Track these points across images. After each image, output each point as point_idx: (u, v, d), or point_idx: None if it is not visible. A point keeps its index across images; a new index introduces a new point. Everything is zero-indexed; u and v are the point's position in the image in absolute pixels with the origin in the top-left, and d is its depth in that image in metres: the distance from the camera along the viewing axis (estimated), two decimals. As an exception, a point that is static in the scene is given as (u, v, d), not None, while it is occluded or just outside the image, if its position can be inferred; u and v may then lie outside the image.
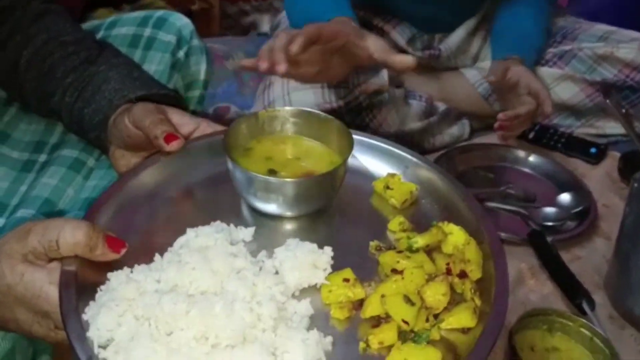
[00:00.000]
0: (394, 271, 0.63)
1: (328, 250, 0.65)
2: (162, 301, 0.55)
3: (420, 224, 0.73)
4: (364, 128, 1.29)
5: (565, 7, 1.78)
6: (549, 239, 1.13)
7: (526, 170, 1.36)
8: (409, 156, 0.81)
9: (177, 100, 0.86)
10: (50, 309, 0.60)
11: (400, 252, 0.65)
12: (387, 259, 0.65)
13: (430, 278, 0.63)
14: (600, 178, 1.36)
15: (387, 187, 0.76)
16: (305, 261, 0.62)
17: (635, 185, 0.98)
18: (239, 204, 0.75)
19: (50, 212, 0.89)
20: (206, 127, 0.81)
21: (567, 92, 1.41)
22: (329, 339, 0.58)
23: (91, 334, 0.55)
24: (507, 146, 1.36)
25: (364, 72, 1.29)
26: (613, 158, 1.40)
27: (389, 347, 0.58)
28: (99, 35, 1.05)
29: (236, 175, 0.71)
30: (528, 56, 1.33)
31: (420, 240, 0.66)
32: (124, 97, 0.84)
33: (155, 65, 1.02)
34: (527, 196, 1.27)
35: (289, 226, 0.74)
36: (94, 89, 0.86)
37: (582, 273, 1.09)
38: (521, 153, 1.37)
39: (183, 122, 0.81)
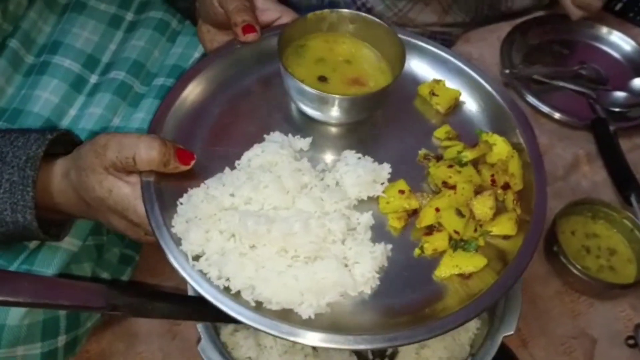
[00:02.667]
0: (445, 184, 0.69)
1: (386, 167, 0.71)
2: (245, 221, 0.61)
3: (464, 130, 0.78)
4: None
5: None
6: (612, 127, 1.13)
7: (604, 48, 1.30)
8: (454, 60, 0.82)
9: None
10: (139, 221, 0.67)
11: (450, 166, 0.71)
12: (439, 172, 0.70)
13: (478, 190, 0.69)
14: None
15: (433, 94, 0.79)
16: (367, 178, 0.68)
17: None
18: (288, 106, 0.78)
19: (139, 73, 0.93)
20: (288, 18, 0.82)
21: None
22: (389, 246, 0.66)
23: (185, 248, 0.62)
24: (588, 19, 1.28)
25: None
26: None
27: (441, 253, 0.67)
28: None
29: (290, 85, 0.74)
30: None
31: (469, 155, 0.71)
32: None
33: None
34: (598, 78, 1.24)
35: (337, 131, 0.78)
36: None
37: (639, 163, 1.11)
38: (602, 29, 1.30)
39: (266, 7, 0.82)
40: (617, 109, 1.19)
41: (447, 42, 1.33)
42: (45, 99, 0.86)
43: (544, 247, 1.01)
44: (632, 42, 1.30)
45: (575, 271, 0.95)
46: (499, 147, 0.73)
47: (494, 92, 0.80)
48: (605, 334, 0.95)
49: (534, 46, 1.30)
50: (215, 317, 0.75)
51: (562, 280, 0.99)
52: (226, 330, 0.83)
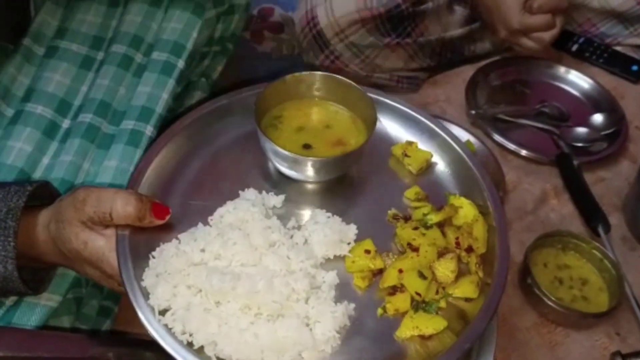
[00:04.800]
0: (410, 246, 0.72)
1: (353, 228, 0.73)
2: (211, 278, 0.64)
3: (433, 191, 0.80)
4: (404, 36, 1.32)
5: None
6: (576, 161, 1.18)
7: (563, 86, 1.37)
8: (426, 121, 0.86)
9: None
10: (112, 273, 0.69)
11: (415, 228, 0.73)
12: (404, 234, 0.73)
13: (442, 252, 0.71)
14: (639, 98, 1.36)
15: (405, 154, 0.82)
16: (333, 237, 0.71)
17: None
18: (266, 163, 0.81)
19: (105, 113, 0.91)
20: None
21: None
22: (352, 305, 0.68)
23: (152, 302, 0.65)
24: (547, 60, 1.37)
25: None
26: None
27: (403, 313, 0.69)
28: None
29: (267, 147, 0.77)
30: None
31: (434, 218, 0.74)
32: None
33: None
34: (560, 115, 1.30)
35: (313, 188, 0.81)
36: None
37: (604, 195, 1.17)
38: (560, 69, 1.37)
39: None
40: (580, 144, 1.24)
41: (413, 85, 1.40)
42: (18, 149, 0.85)
43: (518, 280, 1.04)
44: (590, 80, 1.36)
45: (549, 302, 0.97)
46: (465, 210, 0.76)
47: (464, 155, 0.82)
48: (584, 363, 0.96)
49: (497, 87, 1.36)
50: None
51: (537, 312, 1.01)
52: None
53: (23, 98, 0.90)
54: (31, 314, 0.80)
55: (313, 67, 1.32)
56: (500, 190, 1.14)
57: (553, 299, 0.97)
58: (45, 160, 0.88)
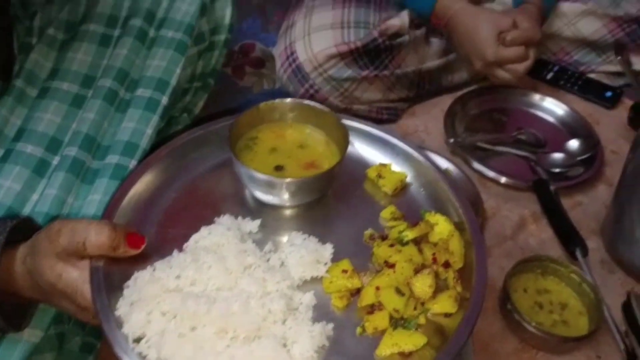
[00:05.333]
0: (387, 264, 0.71)
1: (329, 247, 0.73)
2: (186, 302, 0.63)
3: (409, 211, 0.81)
4: (382, 68, 1.35)
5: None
6: (553, 186, 1.20)
7: (539, 114, 1.41)
8: (400, 144, 0.87)
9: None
10: (86, 305, 0.68)
11: (392, 245, 0.73)
12: (381, 251, 0.73)
13: (418, 269, 0.71)
14: (613, 124, 1.40)
15: (380, 176, 0.83)
16: (309, 258, 0.70)
17: (640, 136, 1.03)
18: (242, 190, 0.82)
19: (90, 148, 0.90)
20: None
21: (589, 27, 1.42)
22: (330, 325, 0.68)
23: (126, 330, 0.64)
24: (523, 88, 1.41)
25: (385, 10, 1.34)
26: (628, 104, 1.41)
27: (383, 332, 0.68)
28: None
29: (241, 172, 0.78)
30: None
31: (410, 234, 0.74)
32: None
33: (186, 5, 1.03)
34: (537, 141, 1.33)
35: (289, 213, 0.81)
36: None
37: (581, 219, 1.18)
38: (536, 96, 1.42)
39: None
40: (557, 170, 1.26)
41: (393, 116, 1.42)
42: (7, 188, 0.85)
43: (498, 306, 1.03)
44: (565, 107, 1.39)
45: (530, 328, 0.97)
46: (441, 227, 0.76)
47: (437, 175, 0.83)
48: (565, 387, 0.95)
49: (474, 115, 1.39)
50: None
51: (518, 337, 1.01)
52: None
53: (14, 138, 0.90)
54: (13, 350, 0.78)
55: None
56: (479, 217, 1.15)
57: (533, 324, 0.96)
58: (35, 197, 0.87)
